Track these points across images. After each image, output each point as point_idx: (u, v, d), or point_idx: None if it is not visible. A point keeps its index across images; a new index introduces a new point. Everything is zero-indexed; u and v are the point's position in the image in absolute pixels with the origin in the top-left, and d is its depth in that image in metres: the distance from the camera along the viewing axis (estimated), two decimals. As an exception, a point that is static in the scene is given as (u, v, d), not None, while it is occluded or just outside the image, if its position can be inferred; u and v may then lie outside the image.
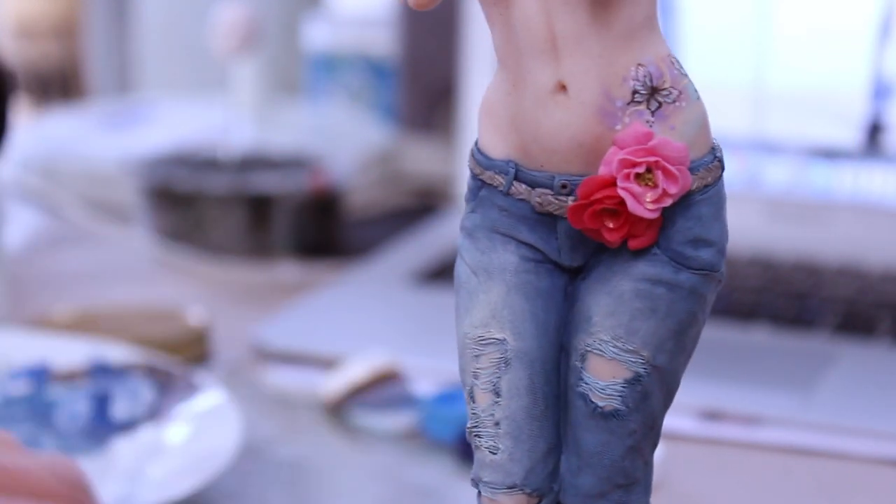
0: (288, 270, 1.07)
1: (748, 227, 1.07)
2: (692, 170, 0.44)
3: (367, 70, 1.37)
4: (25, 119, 1.46)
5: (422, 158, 1.30)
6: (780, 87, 1.07)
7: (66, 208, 1.16)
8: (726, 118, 1.08)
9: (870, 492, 0.77)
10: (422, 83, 1.35)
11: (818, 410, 0.83)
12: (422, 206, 1.24)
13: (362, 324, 0.96)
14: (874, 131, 1.05)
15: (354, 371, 0.84)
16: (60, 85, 2.21)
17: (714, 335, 0.93)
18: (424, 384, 0.84)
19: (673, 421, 0.82)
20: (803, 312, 0.96)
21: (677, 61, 0.44)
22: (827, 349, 0.91)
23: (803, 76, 1.07)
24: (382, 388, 0.84)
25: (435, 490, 0.76)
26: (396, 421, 0.82)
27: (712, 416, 0.83)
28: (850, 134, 1.05)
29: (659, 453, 0.77)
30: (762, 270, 1.02)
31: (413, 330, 0.96)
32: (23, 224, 1.16)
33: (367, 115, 1.36)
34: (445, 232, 1.12)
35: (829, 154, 1.06)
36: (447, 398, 0.81)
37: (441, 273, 1.03)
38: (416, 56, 1.35)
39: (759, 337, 0.93)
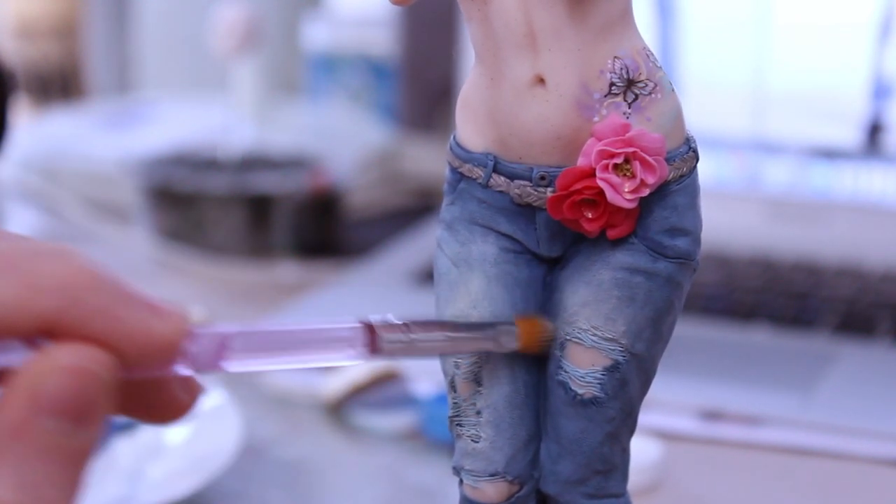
0: (288, 270, 1.07)
1: (748, 227, 1.07)
2: (668, 160, 0.45)
3: (367, 70, 1.37)
4: (25, 119, 1.46)
5: (422, 158, 1.30)
6: (780, 87, 1.07)
7: (66, 208, 1.16)
8: (726, 118, 1.08)
9: (870, 492, 0.77)
10: (422, 83, 1.35)
11: (818, 410, 0.83)
12: (422, 206, 1.24)
13: (362, 324, 0.96)
14: (874, 131, 1.05)
15: (354, 371, 0.84)
16: (60, 85, 2.21)
17: (714, 335, 0.93)
18: (424, 384, 0.84)
19: (673, 421, 0.83)
20: (803, 312, 0.96)
21: (652, 54, 0.45)
22: (827, 349, 0.91)
23: (803, 76, 1.07)
24: (382, 388, 0.84)
25: (435, 490, 0.76)
26: (396, 421, 0.82)
27: (712, 416, 0.83)
28: (850, 134, 1.05)
29: (659, 453, 0.77)
30: (762, 270, 1.02)
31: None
32: (23, 224, 1.16)
33: (367, 115, 1.36)
34: (445, 232, 1.12)
35: (829, 154, 1.06)
36: (447, 398, 0.81)
37: (441, 273, 1.03)
38: (416, 56, 1.35)
39: (759, 337, 0.93)
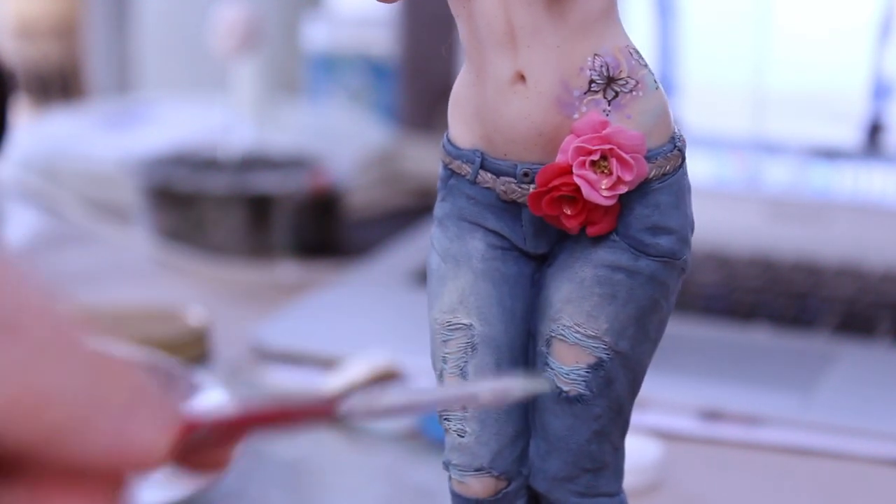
0: (288, 270, 1.07)
1: (748, 227, 1.07)
2: (649, 158, 0.45)
3: (367, 70, 1.37)
4: (25, 119, 1.46)
5: (422, 158, 1.30)
6: (780, 87, 1.07)
7: (66, 208, 1.16)
8: (726, 118, 1.08)
9: (870, 492, 0.77)
10: (422, 83, 1.35)
11: (818, 410, 0.83)
12: (422, 206, 1.24)
13: (362, 324, 0.96)
14: (874, 131, 1.05)
15: (354, 371, 0.84)
16: (60, 85, 2.21)
17: (714, 335, 0.93)
18: (424, 384, 0.84)
19: (673, 421, 0.83)
20: (803, 312, 0.96)
21: (636, 52, 0.45)
22: (827, 349, 0.91)
23: (803, 76, 1.07)
24: (382, 388, 0.84)
25: (435, 490, 0.76)
26: (396, 421, 0.82)
27: (712, 416, 0.83)
28: (850, 134, 1.05)
29: (659, 453, 0.77)
30: (762, 270, 1.02)
31: (413, 330, 0.96)
32: (23, 224, 1.16)
33: (367, 115, 1.36)
34: (445, 232, 1.12)
35: (829, 154, 1.06)
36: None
37: (441, 273, 1.03)
38: (416, 56, 1.35)
39: (759, 337, 0.93)
